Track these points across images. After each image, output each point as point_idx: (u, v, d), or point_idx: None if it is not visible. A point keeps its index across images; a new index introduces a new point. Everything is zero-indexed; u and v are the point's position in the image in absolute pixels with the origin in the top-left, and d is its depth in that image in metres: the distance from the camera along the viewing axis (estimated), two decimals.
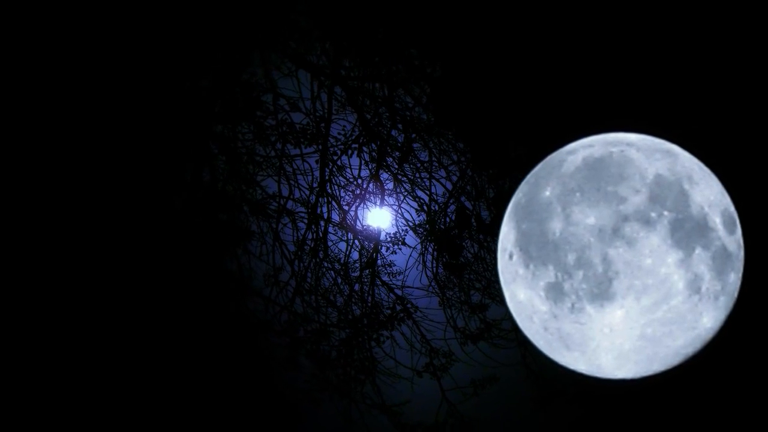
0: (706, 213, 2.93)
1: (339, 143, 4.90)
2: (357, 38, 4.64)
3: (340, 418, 5.05)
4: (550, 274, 2.93)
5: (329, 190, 4.94)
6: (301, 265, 4.98)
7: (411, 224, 5.07)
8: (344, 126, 4.88)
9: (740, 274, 3.12)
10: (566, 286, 2.90)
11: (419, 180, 5.00)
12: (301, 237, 4.93)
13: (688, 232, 2.86)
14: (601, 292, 2.85)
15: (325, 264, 5.03)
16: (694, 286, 2.90)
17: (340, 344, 5.05)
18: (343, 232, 5.01)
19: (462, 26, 4.50)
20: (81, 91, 4.17)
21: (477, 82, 4.56)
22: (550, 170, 3.10)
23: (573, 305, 2.91)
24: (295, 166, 4.86)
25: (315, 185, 4.91)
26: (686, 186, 2.94)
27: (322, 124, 4.79)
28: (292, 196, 4.88)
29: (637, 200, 2.85)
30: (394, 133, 4.95)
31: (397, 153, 4.97)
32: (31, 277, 4.24)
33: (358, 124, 4.88)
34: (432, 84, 4.74)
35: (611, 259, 2.82)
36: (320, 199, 4.93)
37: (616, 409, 4.85)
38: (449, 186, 4.95)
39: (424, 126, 4.91)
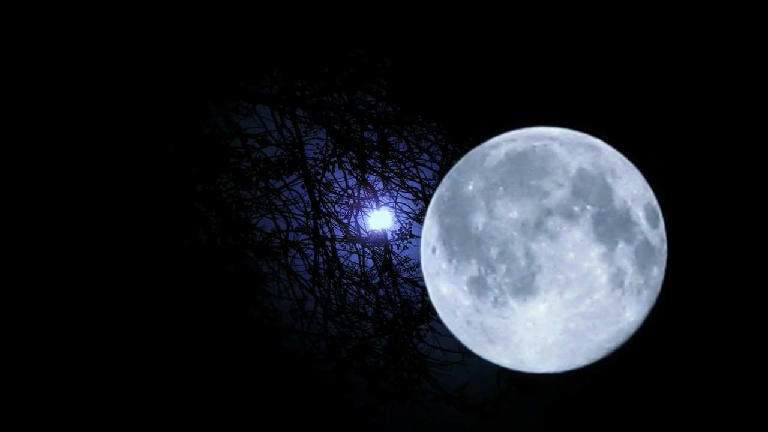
0: (629, 207, 2.93)
1: (318, 162, 4.91)
2: (300, 56, 4.64)
3: (408, 421, 5.07)
4: (473, 269, 2.93)
5: (324, 210, 4.95)
6: (322, 289, 4.99)
7: (412, 215, 5.07)
8: (317, 144, 4.90)
9: (663, 268, 3.13)
10: (489, 280, 2.90)
11: (405, 171, 5.01)
12: (312, 263, 4.95)
13: (611, 226, 2.87)
14: (524, 286, 2.85)
15: (344, 281, 5.04)
16: (617, 280, 2.91)
17: (385, 352, 5.06)
18: (351, 244, 5.02)
19: (396, 12, 4.50)
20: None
21: (428, 60, 4.56)
22: (473, 164, 3.11)
23: (496, 299, 2.91)
24: (284, 198, 4.88)
25: (309, 209, 4.93)
26: (609, 180, 2.94)
27: (296, 150, 4.79)
28: (290, 228, 4.89)
29: (560, 194, 2.85)
30: (366, 134, 4.96)
31: (376, 152, 4.97)
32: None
33: (329, 137, 4.89)
34: (386, 76, 4.74)
35: (534, 254, 2.81)
36: (318, 221, 4.94)
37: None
38: (436, 167, 4.95)
39: (392, 118, 4.91)
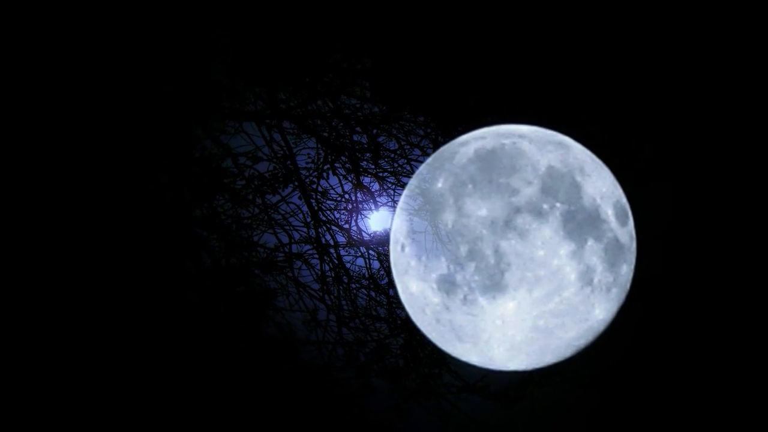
0: (598, 205, 2.94)
1: (312, 171, 4.91)
2: (279, 69, 4.64)
3: (434, 416, 5.06)
4: (442, 266, 2.92)
5: (324, 218, 4.95)
6: (332, 297, 4.99)
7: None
8: (308, 153, 4.90)
9: (632, 266, 3.13)
10: (458, 277, 2.90)
11: (399, 168, 5.00)
12: (319, 273, 4.94)
13: (580, 223, 2.87)
14: (494, 283, 2.85)
15: (353, 285, 5.04)
16: (587, 278, 2.91)
17: (402, 351, 5.05)
18: (355, 248, 5.02)
19: (370, 11, 4.51)
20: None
21: (407, 55, 4.56)
22: (442, 162, 3.11)
23: (465, 297, 2.92)
24: (283, 211, 4.88)
25: (309, 219, 4.93)
26: (578, 178, 2.96)
27: (288, 162, 4.79)
28: (293, 240, 4.90)
29: (529, 192, 2.85)
30: (356, 137, 4.96)
31: (367, 154, 4.97)
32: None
33: (319, 145, 4.89)
34: (368, 77, 4.74)
35: (503, 251, 2.82)
36: (320, 230, 4.94)
37: None
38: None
39: (380, 118, 4.91)
